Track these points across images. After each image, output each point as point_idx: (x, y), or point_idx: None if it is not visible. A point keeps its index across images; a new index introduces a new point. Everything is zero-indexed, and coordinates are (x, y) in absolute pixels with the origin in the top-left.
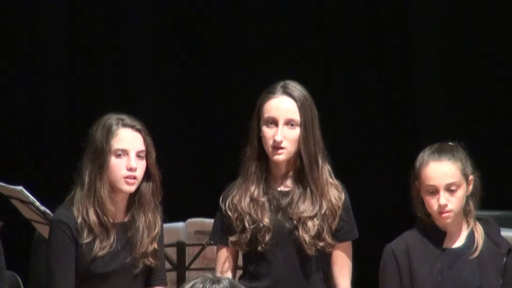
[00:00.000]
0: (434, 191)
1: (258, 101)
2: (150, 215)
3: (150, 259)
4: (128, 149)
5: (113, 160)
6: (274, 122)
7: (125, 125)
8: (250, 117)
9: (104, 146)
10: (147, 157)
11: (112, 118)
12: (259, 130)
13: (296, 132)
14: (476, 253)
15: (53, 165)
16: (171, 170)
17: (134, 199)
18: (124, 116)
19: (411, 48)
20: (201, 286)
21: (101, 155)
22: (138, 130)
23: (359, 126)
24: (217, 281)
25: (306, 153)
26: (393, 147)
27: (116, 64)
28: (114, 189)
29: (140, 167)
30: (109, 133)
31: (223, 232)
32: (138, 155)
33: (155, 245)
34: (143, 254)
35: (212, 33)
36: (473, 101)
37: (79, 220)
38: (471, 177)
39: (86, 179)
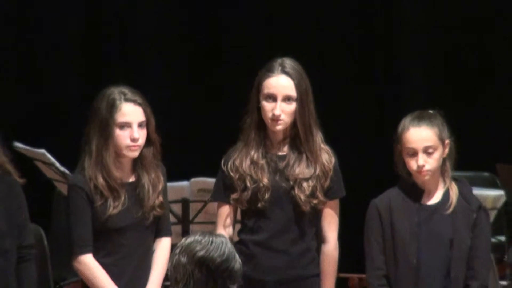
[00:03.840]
0: (414, 153)
1: (257, 77)
2: (153, 174)
3: (158, 209)
4: (130, 122)
5: (118, 132)
6: (272, 97)
7: (127, 100)
8: (249, 90)
9: (109, 120)
10: (147, 125)
11: (115, 93)
12: (258, 102)
13: (292, 106)
14: (450, 209)
15: (71, 130)
16: (177, 135)
17: (138, 161)
18: (126, 90)
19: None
20: (200, 237)
21: (106, 128)
22: (139, 104)
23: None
24: (216, 235)
25: (302, 124)
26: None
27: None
28: (120, 155)
29: (141, 135)
30: (113, 108)
31: (225, 191)
32: (139, 126)
33: (161, 198)
34: (151, 207)
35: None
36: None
37: (92, 185)
38: (447, 141)
39: (94, 148)
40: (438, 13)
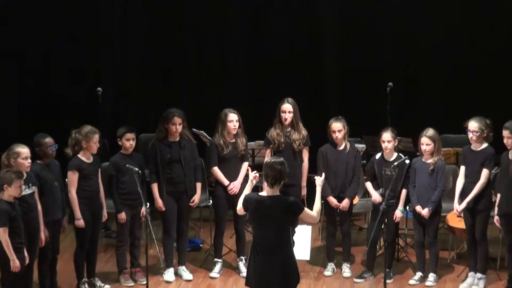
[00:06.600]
0: (334, 132)
1: (278, 104)
2: (241, 139)
3: (242, 152)
4: (233, 119)
5: (228, 123)
6: (284, 111)
7: (230, 112)
8: (275, 109)
9: (224, 119)
10: (239, 121)
11: (226, 110)
12: (279, 113)
13: (291, 114)
14: (347, 151)
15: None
16: (254, 123)
17: (236, 134)
18: (231, 109)
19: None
20: (269, 159)
21: (224, 122)
22: (236, 113)
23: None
24: (278, 157)
25: (295, 121)
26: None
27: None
28: (229, 131)
29: (237, 125)
30: (226, 115)
31: (268, 144)
32: (236, 121)
33: (244, 147)
34: (240, 150)
35: None
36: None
37: (217, 142)
38: (346, 127)
39: (219, 129)
40: None
